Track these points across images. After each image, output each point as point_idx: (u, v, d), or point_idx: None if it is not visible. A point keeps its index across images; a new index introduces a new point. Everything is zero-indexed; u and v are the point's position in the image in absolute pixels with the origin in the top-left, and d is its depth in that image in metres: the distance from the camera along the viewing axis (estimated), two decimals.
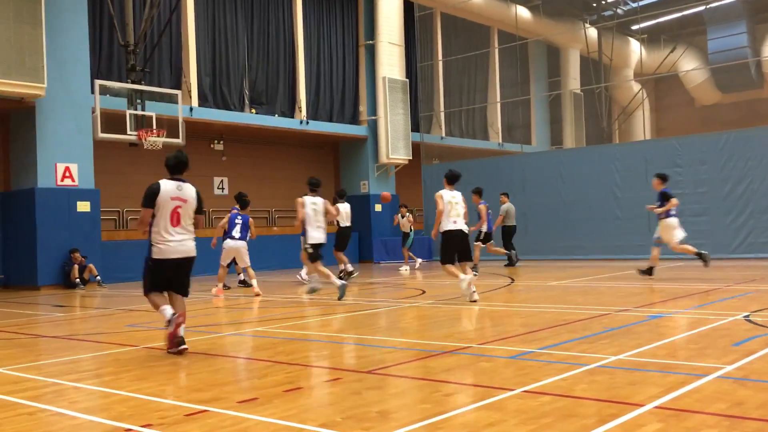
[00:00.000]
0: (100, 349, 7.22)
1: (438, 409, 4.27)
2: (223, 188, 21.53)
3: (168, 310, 6.65)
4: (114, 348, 7.27)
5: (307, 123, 21.87)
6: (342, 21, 23.69)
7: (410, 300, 10.94)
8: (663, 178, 13.04)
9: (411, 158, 24.04)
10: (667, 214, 12.55)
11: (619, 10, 30.89)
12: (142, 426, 4.12)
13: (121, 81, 17.16)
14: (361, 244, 23.51)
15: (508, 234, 18.23)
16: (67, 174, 16.41)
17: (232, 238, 12.76)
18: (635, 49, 33.24)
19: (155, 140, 16.34)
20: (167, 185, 6.81)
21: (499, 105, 29.34)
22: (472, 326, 7.86)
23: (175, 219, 6.79)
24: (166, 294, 6.90)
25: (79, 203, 16.52)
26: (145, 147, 16.42)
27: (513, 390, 4.67)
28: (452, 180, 10.61)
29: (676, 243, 12.60)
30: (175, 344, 6.55)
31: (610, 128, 30.98)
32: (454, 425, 3.92)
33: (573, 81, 31.55)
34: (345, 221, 15.27)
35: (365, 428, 3.91)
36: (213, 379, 5.48)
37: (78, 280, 15.96)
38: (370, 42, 23.83)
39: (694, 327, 7.07)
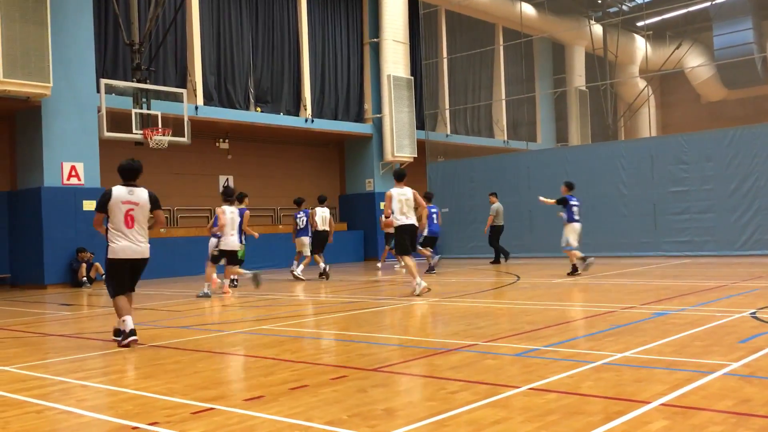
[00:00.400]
0: (106, 348, 7.25)
1: (444, 406, 4.27)
2: (228, 187, 21.54)
3: (129, 323, 7.13)
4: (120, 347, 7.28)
5: (312, 121, 21.87)
6: (346, 19, 23.69)
7: (415, 298, 10.94)
8: (569, 186, 14.00)
9: (416, 156, 24.03)
10: (571, 219, 13.48)
11: (624, 7, 30.79)
12: (149, 424, 4.14)
13: (126, 80, 17.19)
14: (366, 242, 23.52)
15: (495, 233, 18.35)
16: (74, 173, 16.46)
17: (216, 236, 12.94)
18: (640, 45, 33.13)
19: (161, 139, 16.37)
20: (119, 191, 7.32)
21: (504, 102, 29.29)
22: (478, 324, 7.86)
23: (129, 221, 7.29)
24: (128, 302, 7.35)
25: (85, 202, 16.55)
26: (150, 146, 16.45)
27: (519, 387, 4.67)
28: (400, 178, 11.63)
29: (566, 246, 13.67)
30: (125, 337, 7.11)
31: (615, 125, 30.89)
32: (460, 423, 3.93)
33: (578, 78, 31.46)
34: (322, 225, 15.97)
35: (371, 426, 3.92)
36: (219, 377, 5.49)
37: (85, 278, 16.01)
38: (375, 40, 23.82)
39: (700, 324, 7.05)
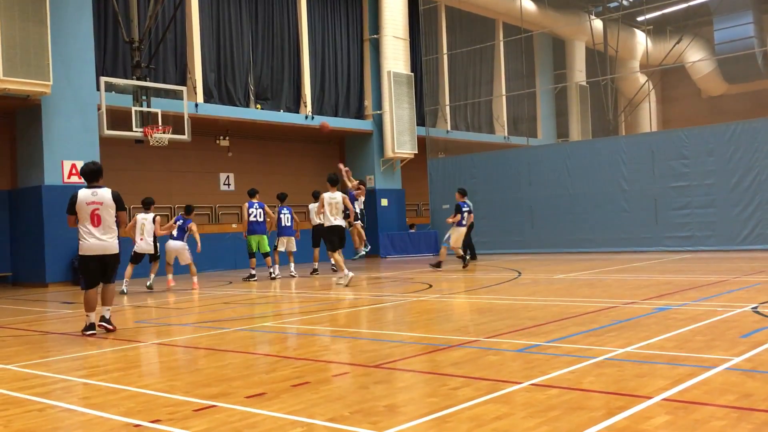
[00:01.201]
0: (108, 346, 7.26)
1: (445, 402, 4.28)
2: (229, 184, 21.55)
3: (92, 317, 7.86)
4: (123, 344, 7.30)
5: (313, 118, 21.85)
6: (346, 15, 23.65)
7: (417, 294, 10.94)
8: (462, 192, 16.01)
9: (417, 152, 24.01)
10: (459, 224, 15.39)
11: (624, 2, 30.72)
12: (151, 421, 4.14)
13: (126, 78, 17.18)
14: (367, 238, 23.49)
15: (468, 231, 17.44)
16: (74, 171, 16.43)
17: (172, 237, 13.87)
18: (641, 40, 33.07)
19: (161, 137, 16.37)
20: (83, 193, 7.88)
21: (504, 98, 29.25)
22: (479, 320, 7.86)
23: (96, 220, 7.82)
24: (99, 297, 7.96)
25: None
26: (151, 144, 16.45)
27: (520, 383, 4.67)
28: (334, 183, 13.10)
29: (455, 245, 15.52)
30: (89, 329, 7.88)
31: (616, 120, 30.85)
32: (462, 419, 3.93)
33: (579, 73, 31.41)
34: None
35: (373, 422, 3.92)
36: (221, 374, 5.50)
37: None
38: (375, 36, 23.79)
39: (701, 319, 7.05)
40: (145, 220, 13.36)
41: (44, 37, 15.16)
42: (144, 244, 13.37)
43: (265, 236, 15.30)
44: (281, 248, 15.92)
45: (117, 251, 8.00)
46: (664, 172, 18.77)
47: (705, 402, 4.05)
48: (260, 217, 15.20)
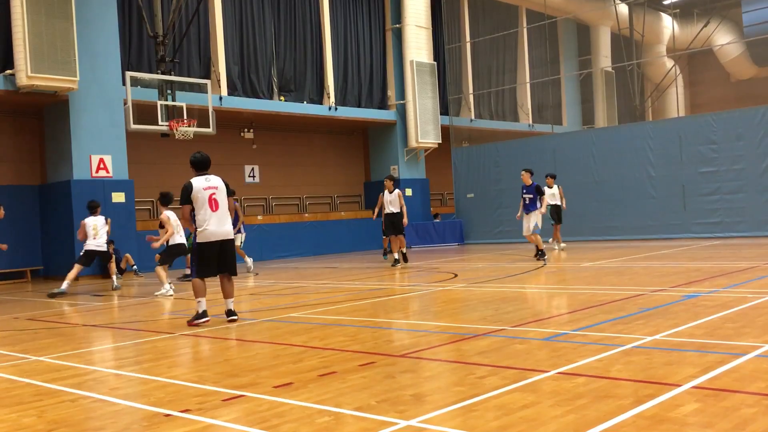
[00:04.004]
0: (138, 337, 7.36)
1: (472, 391, 4.27)
2: (254, 176, 21.68)
3: (203, 304, 7.69)
4: (152, 335, 7.40)
5: (336, 109, 21.87)
6: (368, 5, 23.59)
7: (442, 284, 10.93)
8: (531, 172, 15.31)
9: (440, 141, 23.94)
10: (534, 207, 14.79)
11: None
12: (181, 411, 4.20)
13: (151, 72, 17.33)
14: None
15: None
16: (102, 165, 16.67)
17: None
18: (667, 24, 32.56)
19: (186, 130, 16.49)
20: (197, 180, 7.81)
21: (528, 85, 29.00)
22: (506, 309, 7.84)
23: (214, 205, 7.73)
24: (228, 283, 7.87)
25: (114, 194, 16.77)
26: (176, 137, 16.59)
27: (547, 372, 4.65)
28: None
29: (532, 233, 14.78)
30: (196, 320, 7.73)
31: (642, 106, 30.46)
32: (489, 407, 3.92)
33: (604, 59, 31.03)
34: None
35: (400, 411, 3.94)
36: (249, 364, 5.55)
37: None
38: (397, 26, 23.70)
39: (731, 306, 6.96)
40: (95, 221, 13.29)
41: (70, 33, 15.34)
42: (180, 238, 13.23)
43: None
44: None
45: (233, 236, 8.01)
46: (692, 157, 18.51)
47: (735, 389, 4.00)
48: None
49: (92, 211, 13.47)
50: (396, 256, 15.03)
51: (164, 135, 16.82)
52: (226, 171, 20.93)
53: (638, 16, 29.66)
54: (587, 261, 13.43)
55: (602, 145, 20.33)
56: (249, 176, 21.57)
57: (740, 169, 17.79)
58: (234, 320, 7.81)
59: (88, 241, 13.12)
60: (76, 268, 13.03)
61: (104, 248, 13.24)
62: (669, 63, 32.37)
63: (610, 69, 30.68)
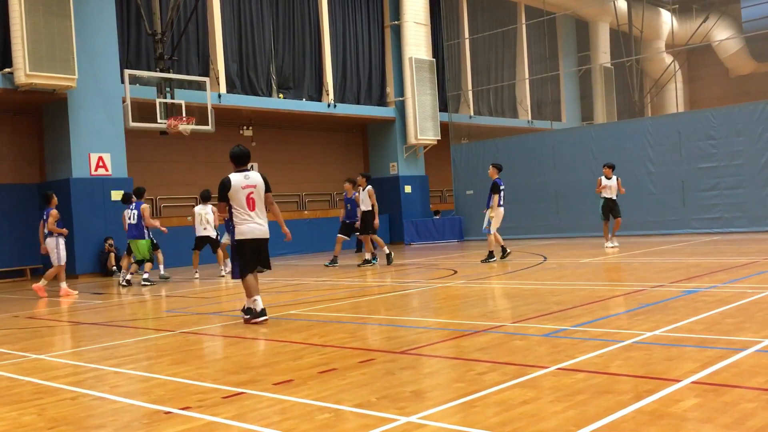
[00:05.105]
0: (138, 335, 7.36)
1: (472, 387, 4.28)
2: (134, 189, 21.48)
3: (259, 303, 7.52)
4: (152, 333, 7.40)
5: (335, 106, 21.86)
6: (367, 2, 23.56)
7: (442, 280, 10.94)
8: (498, 167, 14.58)
9: (440, 138, 23.92)
10: (499, 204, 13.95)
11: None
12: (181, 409, 4.20)
13: (149, 70, 17.31)
14: (391, 225, 23.54)
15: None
16: (101, 163, 16.66)
17: (50, 235, 12.30)
18: (666, 20, 32.53)
19: (185, 128, 16.48)
20: (236, 177, 7.63)
21: (527, 82, 28.98)
22: (505, 305, 7.84)
23: (251, 204, 7.61)
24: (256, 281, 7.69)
25: (113, 192, 16.76)
26: (175, 135, 16.57)
27: (547, 368, 4.66)
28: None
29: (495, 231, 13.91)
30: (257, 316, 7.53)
31: (641, 102, 30.44)
32: (489, 403, 3.93)
33: (603, 55, 31.00)
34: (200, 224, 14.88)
35: (400, 408, 3.94)
36: (249, 361, 5.55)
37: (114, 267, 16.24)
38: (396, 22, 23.68)
39: (731, 301, 6.96)
40: (203, 211, 14.28)
41: (69, 32, 15.33)
42: (204, 231, 14.34)
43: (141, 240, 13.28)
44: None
45: (269, 236, 7.84)
46: (691, 153, 18.51)
47: (735, 384, 4.01)
48: (134, 219, 13.28)
49: (204, 201, 14.38)
50: (367, 256, 14.62)
51: (163, 133, 16.81)
52: (225, 169, 20.92)
53: (637, 12, 29.64)
54: (586, 257, 13.44)
55: (601, 141, 20.32)
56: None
57: (739, 165, 17.78)
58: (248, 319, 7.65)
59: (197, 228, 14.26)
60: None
61: (206, 233, 14.25)
62: (668, 59, 32.36)
63: (609, 65, 30.67)
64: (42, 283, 12.42)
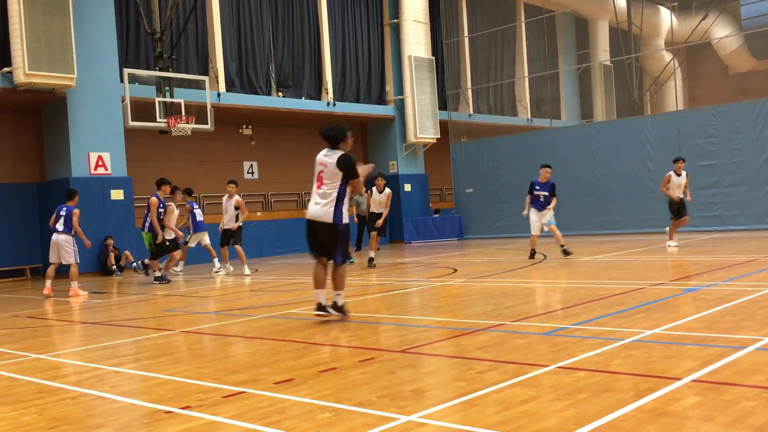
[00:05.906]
0: (138, 334, 7.36)
1: (472, 386, 4.28)
2: (253, 172, 21.66)
3: (321, 296, 7.09)
4: (152, 333, 7.40)
5: (334, 105, 21.85)
6: (366, 0, 23.55)
7: (442, 279, 10.94)
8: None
9: (439, 136, 23.92)
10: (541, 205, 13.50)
11: None
12: (182, 408, 4.20)
13: (149, 69, 17.30)
14: (391, 224, 23.52)
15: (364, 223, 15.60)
16: (100, 163, 16.65)
17: (56, 231, 12.32)
18: (666, 17, 32.52)
19: (184, 127, 16.49)
20: (320, 153, 7.18)
21: (527, 80, 28.97)
22: (506, 304, 7.85)
23: (317, 182, 7.07)
24: (323, 273, 7.14)
25: (112, 191, 16.76)
26: (173, 134, 16.57)
27: (547, 366, 4.66)
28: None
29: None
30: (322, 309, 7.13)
31: (641, 100, 30.43)
32: (489, 402, 3.93)
33: (602, 53, 31.00)
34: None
35: (400, 407, 3.94)
36: (249, 361, 5.55)
37: (114, 267, 16.24)
38: (395, 21, 23.66)
39: (731, 299, 6.96)
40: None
41: (68, 31, 15.31)
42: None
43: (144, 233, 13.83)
44: (192, 244, 15.34)
45: (331, 221, 6.93)
46: (690, 151, 18.49)
47: (735, 383, 4.01)
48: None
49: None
50: (372, 254, 14.27)
51: (163, 132, 16.81)
52: (224, 167, 21.01)
53: (636, 10, 29.63)
54: (586, 255, 13.44)
55: (601, 139, 20.33)
56: (248, 172, 21.54)
57: (739, 163, 17.79)
58: (321, 315, 7.09)
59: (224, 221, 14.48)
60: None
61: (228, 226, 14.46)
62: (667, 56, 32.34)
63: (608, 63, 30.66)
64: (74, 285, 12.22)
